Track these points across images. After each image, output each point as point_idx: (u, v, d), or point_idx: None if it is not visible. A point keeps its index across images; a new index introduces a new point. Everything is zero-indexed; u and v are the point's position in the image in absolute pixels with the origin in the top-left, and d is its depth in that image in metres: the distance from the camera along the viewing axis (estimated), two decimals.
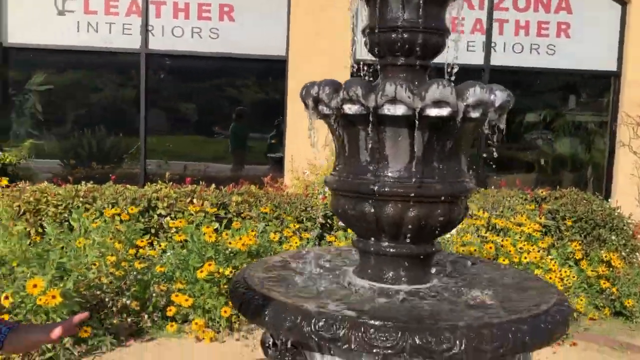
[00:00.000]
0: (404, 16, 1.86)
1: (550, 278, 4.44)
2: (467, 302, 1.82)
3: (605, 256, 5.06)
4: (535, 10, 7.14)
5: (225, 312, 4.01)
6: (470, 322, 1.61)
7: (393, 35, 1.87)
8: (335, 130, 1.94)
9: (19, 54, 7.03)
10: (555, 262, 4.74)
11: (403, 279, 1.94)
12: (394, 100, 1.71)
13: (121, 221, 4.79)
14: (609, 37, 7.16)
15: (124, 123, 7.37)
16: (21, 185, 5.74)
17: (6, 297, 3.23)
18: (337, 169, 2.01)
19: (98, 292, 3.99)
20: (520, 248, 4.70)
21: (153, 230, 5.47)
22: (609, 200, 6.74)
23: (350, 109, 1.78)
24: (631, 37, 7.00)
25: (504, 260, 4.46)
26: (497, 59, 7.00)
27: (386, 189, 1.83)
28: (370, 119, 1.75)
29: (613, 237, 5.59)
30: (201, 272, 4.05)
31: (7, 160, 6.56)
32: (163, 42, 6.93)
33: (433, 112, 1.73)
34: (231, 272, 4.09)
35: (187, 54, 7.01)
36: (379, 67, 2.01)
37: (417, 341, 1.54)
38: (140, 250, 4.63)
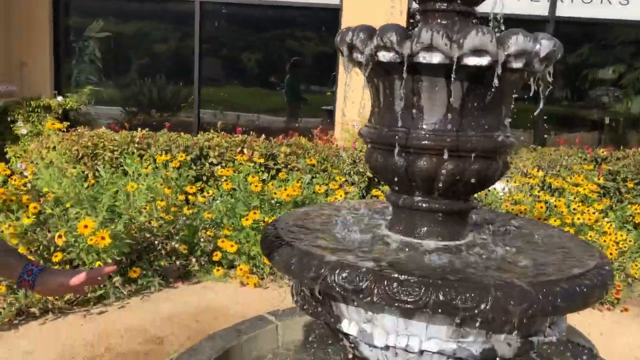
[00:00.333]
0: None
1: (605, 241, 4.27)
2: (499, 261, 1.76)
3: None
4: None
5: None
6: (498, 281, 1.55)
7: None
8: (370, 79, 1.87)
9: (78, 1, 7.17)
10: (611, 225, 4.54)
11: (435, 234, 1.90)
12: (430, 48, 1.63)
13: (173, 168, 4.90)
14: None
15: (179, 73, 7.47)
16: (80, 130, 5.95)
17: (60, 236, 3.39)
18: (371, 120, 1.95)
19: (148, 235, 4.13)
20: (574, 209, 4.52)
21: (204, 178, 5.60)
22: None
23: (384, 56, 1.71)
24: None
25: (555, 221, 4.31)
26: (563, 10, 6.60)
27: (420, 142, 1.77)
28: (405, 67, 1.68)
29: None
30: (246, 219, 4.11)
31: (68, 105, 6.80)
32: None
33: (471, 61, 1.64)
34: None
35: (241, 3, 6.96)
36: (419, 12, 1.92)
37: (441, 297, 1.51)
38: (190, 197, 4.74)
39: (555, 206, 4.57)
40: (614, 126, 7.47)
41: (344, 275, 1.60)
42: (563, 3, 6.57)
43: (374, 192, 5.00)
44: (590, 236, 4.28)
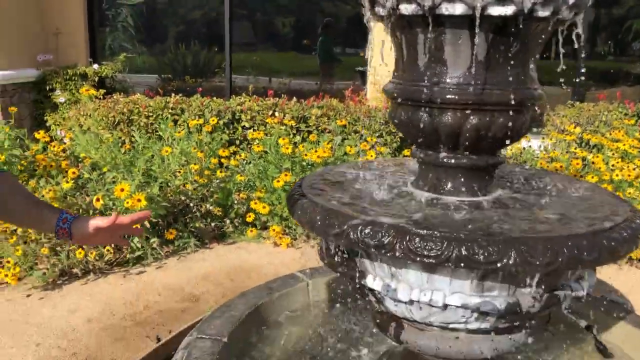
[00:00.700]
0: None
1: None
2: (524, 215, 1.74)
3: None
4: None
5: None
6: (522, 234, 1.54)
7: None
8: (393, 33, 1.84)
9: None
10: None
11: (462, 190, 1.88)
12: None
13: (206, 132, 4.97)
14: None
15: (212, 39, 7.48)
16: (115, 97, 6.06)
17: (97, 200, 3.50)
18: (395, 75, 1.93)
19: (183, 198, 4.22)
20: (613, 165, 4.40)
21: (237, 142, 5.67)
22: None
23: (406, 9, 1.68)
24: None
25: (592, 178, 4.21)
26: None
27: (444, 96, 1.74)
28: (428, 19, 1.65)
29: None
30: (278, 181, 4.15)
31: (104, 73, 6.92)
32: None
33: (495, 10, 1.59)
34: None
35: None
36: None
37: (463, 252, 1.50)
38: (223, 160, 4.81)
39: (593, 163, 4.46)
40: None
41: (367, 231, 1.61)
42: None
43: (406, 152, 4.96)
44: (630, 193, 4.16)
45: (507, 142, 1.87)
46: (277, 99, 6.01)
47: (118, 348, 2.79)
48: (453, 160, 1.85)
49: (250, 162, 4.84)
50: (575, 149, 4.80)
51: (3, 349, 2.75)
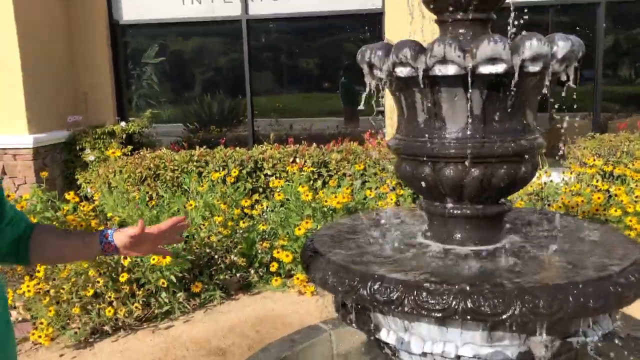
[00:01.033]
0: None
1: None
2: (532, 263, 1.76)
3: None
4: None
5: None
6: (527, 285, 1.57)
7: None
8: (393, 93, 1.93)
9: (134, 30, 7.55)
10: None
11: (469, 240, 1.92)
12: (444, 61, 1.67)
13: (230, 183, 5.09)
14: None
15: (232, 88, 7.71)
16: (142, 153, 6.26)
17: (125, 257, 3.61)
18: (398, 131, 2.00)
19: (208, 250, 4.31)
20: (637, 196, 4.36)
21: (261, 189, 5.78)
22: None
23: (401, 71, 1.76)
24: None
25: (615, 211, 4.17)
26: None
27: (444, 151, 1.81)
28: (422, 81, 1.73)
29: None
30: (299, 229, 4.22)
31: (131, 130, 7.16)
32: (262, 7, 7.09)
33: (486, 69, 1.66)
34: None
35: (286, 16, 7.12)
36: (437, 23, 1.95)
37: (469, 304, 1.54)
38: (246, 210, 4.91)
39: (616, 195, 4.42)
40: None
41: (376, 287, 1.66)
42: None
43: None
44: None
45: (511, 190, 1.91)
46: (298, 145, 6.14)
47: None
48: (458, 211, 1.90)
49: (272, 210, 4.93)
50: (597, 181, 4.77)
51: None
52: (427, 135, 1.86)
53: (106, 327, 3.62)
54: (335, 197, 4.42)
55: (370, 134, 6.12)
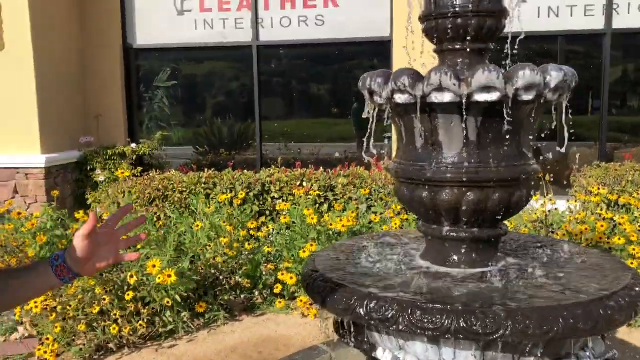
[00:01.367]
0: (455, 2, 1.87)
1: None
2: (525, 286, 1.81)
3: None
4: None
5: None
6: (519, 306, 1.61)
7: (441, 22, 1.88)
8: (392, 119, 2.00)
9: (147, 54, 7.74)
10: None
11: (465, 262, 1.97)
12: (440, 89, 1.74)
13: (237, 205, 5.16)
14: None
15: (241, 112, 7.85)
16: (152, 174, 6.36)
17: (131, 276, 3.67)
18: (397, 156, 2.07)
19: (213, 271, 4.36)
20: None
21: (267, 212, 5.84)
22: None
23: (400, 98, 1.84)
24: None
25: (619, 240, 4.19)
26: (620, 22, 6.44)
27: (441, 175, 1.87)
28: (420, 107, 1.80)
29: None
30: (304, 252, 4.26)
31: (141, 151, 7.29)
32: (272, 34, 7.25)
33: (481, 97, 1.73)
34: None
35: (296, 43, 7.27)
36: (436, 52, 2.03)
37: (462, 324, 1.59)
38: (252, 232, 4.97)
39: (620, 224, 4.44)
40: None
41: (372, 306, 1.71)
42: (619, 15, 6.42)
43: None
44: None
45: (506, 215, 1.97)
46: (305, 169, 6.22)
47: None
48: (455, 234, 1.95)
49: (278, 233, 4.99)
50: (602, 210, 4.79)
51: None
52: (424, 160, 1.92)
53: (111, 345, 3.67)
54: (341, 220, 4.48)
55: (377, 159, 6.19)
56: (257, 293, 4.47)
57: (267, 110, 7.68)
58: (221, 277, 4.38)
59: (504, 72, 1.73)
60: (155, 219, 5.13)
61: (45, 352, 3.49)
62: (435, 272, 1.95)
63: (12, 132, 6.59)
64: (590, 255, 2.15)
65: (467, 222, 1.93)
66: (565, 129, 1.79)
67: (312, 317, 4.18)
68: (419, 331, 1.62)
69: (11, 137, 6.59)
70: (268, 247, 4.66)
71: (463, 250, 1.97)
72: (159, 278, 3.64)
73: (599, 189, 5.00)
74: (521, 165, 1.89)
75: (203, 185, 6.04)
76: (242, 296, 4.40)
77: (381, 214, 4.99)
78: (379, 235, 2.51)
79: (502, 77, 1.71)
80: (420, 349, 1.77)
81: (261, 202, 5.92)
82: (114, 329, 3.62)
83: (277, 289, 4.35)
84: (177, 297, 3.87)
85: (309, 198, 5.33)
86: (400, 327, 1.66)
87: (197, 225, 4.59)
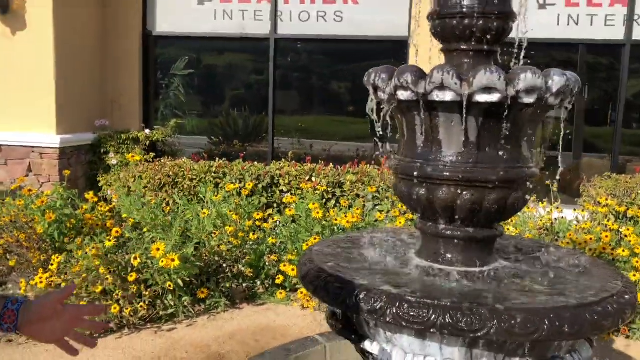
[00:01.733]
0: (462, 2, 1.88)
1: None
2: (516, 287, 1.83)
3: None
4: None
5: None
6: (506, 306, 1.63)
7: (448, 21, 1.90)
8: (394, 115, 2.02)
9: (165, 41, 7.80)
10: None
11: (458, 260, 1.99)
12: (441, 87, 1.76)
13: (245, 196, 5.21)
14: None
15: (257, 105, 7.88)
16: (163, 160, 6.43)
17: (135, 258, 3.73)
18: (398, 152, 2.09)
19: (217, 259, 4.41)
20: None
21: (275, 205, 5.88)
22: None
23: (402, 95, 1.86)
24: None
25: (623, 252, 4.17)
26: None
27: (438, 173, 1.89)
28: (421, 105, 1.82)
29: None
30: (307, 245, 4.30)
31: (155, 137, 7.36)
32: (291, 27, 7.27)
33: (482, 98, 1.75)
34: None
35: (313, 38, 7.29)
36: (443, 52, 2.05)
37: (447, 319, 1.61)
38: (258, 222, 5.01)
39: (625, 236, 4.42)
40: None
41: (361, 297, 1.74)
42: None
43: None
44: None
45: (502, 217, 1.98)
46: (315, 164, 6.25)
47: None
48: (450, 232, 1.97)
49: (284, 225, 5.03)
50: (609, 221, 4.77)
51: None
52: (423, 157, 1.94)
53: (111, 324, 3.73)
54: (346, 216, 4.50)
55: (387, 158, 6.20)
56: (259, 283, 4.52)
57: (282, 104, 7.71)
58: (224, 265, 4.43)
59: (506, 74, 1.75)
60: (164, 205, 5.19)
61: None
62: (428, 269, 1.98)
63: (29, 112, 6.69)
64: (584, 262, 2.15)
65: (462, 221, 1.94)
66: (562, 133, 1.80)
67: (312, 310, 4.22)
68: (405, 324, 1.65)
69: (28, 116, 6.70)
70: (273, 238, 4.70)
71: (457, 249, 1.99)
72: (163, 261, 3.69)
73: (607, 199, 4.97)
74: (519, 168, 1.90)
75: (213, 174, 6.10)
76: (244, 285, 4.45)
77: (388, 212, 5.01)
78: (378, 230, 2.54)
79: (504, 79, 1.73)
80: (407, 343, 1.79)
81: (269, 195, 5.97)
82: (115, 308, 3.69)
83: (279, 279, 4.39)
84: (180, 282, 3.92)
85: (316, 193, 5.36)
86: (388, 319, 1.68)
87: (204, 213, 4.64)
